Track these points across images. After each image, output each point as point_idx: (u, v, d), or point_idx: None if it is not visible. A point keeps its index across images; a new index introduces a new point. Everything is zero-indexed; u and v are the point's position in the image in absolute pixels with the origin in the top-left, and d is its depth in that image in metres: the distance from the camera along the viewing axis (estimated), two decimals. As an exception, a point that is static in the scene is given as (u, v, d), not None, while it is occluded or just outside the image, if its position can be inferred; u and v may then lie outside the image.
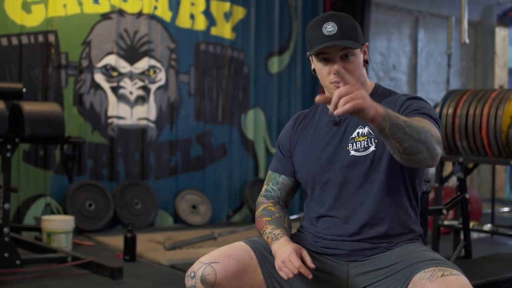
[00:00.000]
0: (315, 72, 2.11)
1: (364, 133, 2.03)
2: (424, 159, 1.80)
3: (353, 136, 2.04)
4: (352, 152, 2.03)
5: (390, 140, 1.76)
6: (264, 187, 2.25)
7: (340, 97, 1.66)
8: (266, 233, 2.08)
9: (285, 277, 1.92)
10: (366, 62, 2.08)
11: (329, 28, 1.98)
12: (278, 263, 1.95)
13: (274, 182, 2.22)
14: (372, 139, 2.01)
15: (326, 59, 2.02)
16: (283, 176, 2.21)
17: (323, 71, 2.03)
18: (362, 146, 2.02)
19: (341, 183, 2.04)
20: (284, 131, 2.25)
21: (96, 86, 5.87)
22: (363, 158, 2.01)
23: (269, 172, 2.26)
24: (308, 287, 2.00)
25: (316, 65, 2.07)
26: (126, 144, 6.03)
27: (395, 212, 2.03)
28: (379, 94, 2.11)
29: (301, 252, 1.95)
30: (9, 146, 4.05)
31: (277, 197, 2.21)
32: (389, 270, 1.94)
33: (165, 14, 6.22)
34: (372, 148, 2.01)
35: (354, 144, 2.03)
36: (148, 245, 5.04)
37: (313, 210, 2.12)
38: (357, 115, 1.69)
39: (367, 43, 2.09)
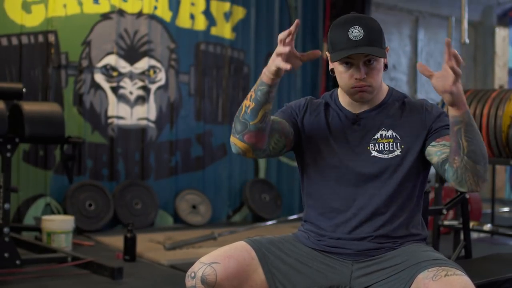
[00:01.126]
0: (333, 72, 2.06)
1: (388, 135, 2.03)
2: (478, 174, 1.87)
3: (376, 137, 2.04)
4: (374, 153, 2.03)
5: (461, 136, 1.85)
6: None
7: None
8: (247, 97, 1.95)
9: (284, 65, 1.90)
10: (385, 66, 2.04)
11: (356, 32, 1.93)
12: (271, 62, 1.92)
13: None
14: (399, 143, 2.02)
15: (348, 63, 1.97)
16: (284, 120, 2.08)
17: (345, 75, 1.99)
18: (386, 149, 2.02)
19: (356, 182, 2.03)
20: (297, 104, 2.14)
21: (96, 86, 5.87)
22: (386, 160, 2.01)
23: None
24: (310, 287, 2.00)
25: (337, 67, 2.01)
26: (126, 144, 6.03)
27: (405, 215, 2.03)
28: (394, 95, 2.10)
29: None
30: (9, 146, 4.05)
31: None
32: (393, 269, 1.94)
33: (165, 14, 6.22)
34: (398, 152, 2.01)
35: (377, 145, 2.03)
36: (148, 245, 5.04)
37: (320, 205, 2.08)
38: (454, 91, 1.79)
39: (388, 47, 2.04)
